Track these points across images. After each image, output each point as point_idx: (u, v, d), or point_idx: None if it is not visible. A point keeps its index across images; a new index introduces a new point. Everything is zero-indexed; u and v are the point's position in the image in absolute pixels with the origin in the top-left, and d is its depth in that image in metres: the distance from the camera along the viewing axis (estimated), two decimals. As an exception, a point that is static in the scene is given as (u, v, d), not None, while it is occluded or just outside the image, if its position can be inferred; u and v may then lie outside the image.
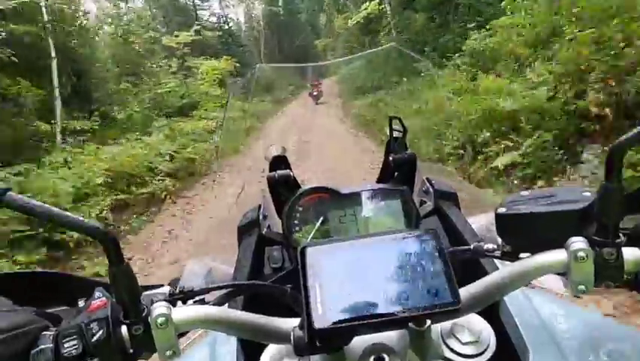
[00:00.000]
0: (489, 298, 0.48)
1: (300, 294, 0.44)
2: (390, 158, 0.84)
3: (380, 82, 11.18)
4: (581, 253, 0.44)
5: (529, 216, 0.53)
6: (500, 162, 4.59)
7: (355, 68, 13.63)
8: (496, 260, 0.62)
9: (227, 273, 0.73)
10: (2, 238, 4.21)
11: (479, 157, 5.12)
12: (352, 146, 7.83)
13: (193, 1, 29.90)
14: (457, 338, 0.53)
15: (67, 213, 0.43)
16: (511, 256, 0.54)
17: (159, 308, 0.45)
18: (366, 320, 0.41)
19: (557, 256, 0.46)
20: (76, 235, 4.62)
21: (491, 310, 0.57)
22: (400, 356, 0.47)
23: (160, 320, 0.44)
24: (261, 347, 0.55)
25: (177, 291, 0.52)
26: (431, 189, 0.84)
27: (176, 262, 4.19)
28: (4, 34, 7.84)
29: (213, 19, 33.31)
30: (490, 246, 0.56)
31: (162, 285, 0.57)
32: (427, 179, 0.86)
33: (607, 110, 4.06)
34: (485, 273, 0.53)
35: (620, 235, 0.46)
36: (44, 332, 0.44)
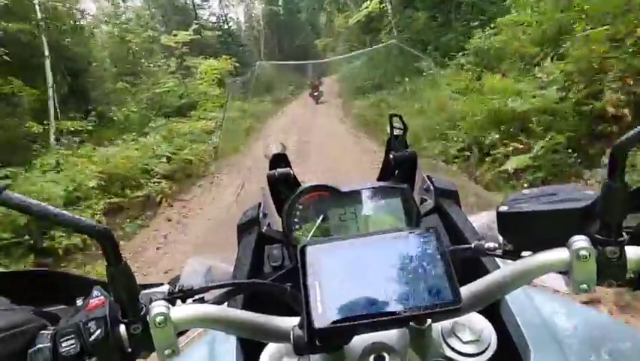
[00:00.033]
0: (490, 296, 0.48)
1: (299, 293, 0.44)
2: (391, 156, 0.83)
3: (381, 80, 11.12)
4: (583, 252, 0.44)
5: (530, 215, 0.52)
6: (510, 165, 4.39)
7: (356, 67, 13.59)
8: (497, 259, 0.62)
9: (227, 271, 0.73)
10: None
11: (486, 159, 4.95)
12: (352, 146, 7.82)
13: (192, 1, 29.87)
14: (458, 337, 0.52)
15: (64, 212, 0.42)
16: (513, 254, 0.54)
17: (158, 307, 0.44)
18: (366, 319, 0.41)
19: (559, 254, 0.46)
20: (64, 242, 4.56)
21: (492, 309, 0.57)
22: (400, 356, 0.47)
23: (158, 318, 0.44)
24: (261, 346, 0.55)
25: (176, 290, 0.52)
26: (432, 187, 0.83)
27: (170, 270, 4.11)
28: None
29: (213, 18, 33.34)
30: (491, 244, 0.56)
31: (161, 284, 0.56)
32: (428, 177, 0.86)
33: (625, 110, 3.92)
34: (486, 272, 0.53)
35: (623, 233, 0.46)
36: (42, 331, 0.43)
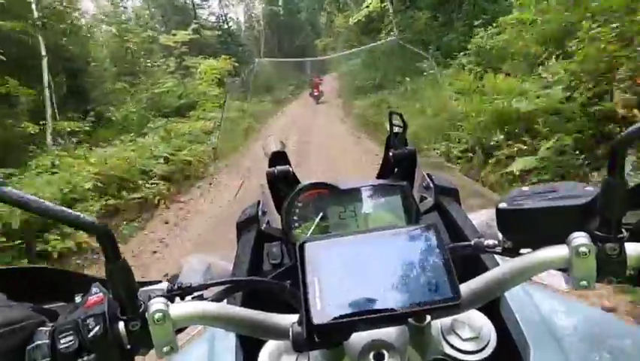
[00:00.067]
0: (489, 294, 0.48)
1: (299, 290, 0.44)
2: (391, 153, 0.83)
3: (382, 79, 11.08)
4: (583, 249, 0.44)
5: (530, 212, 0.52)
6: (516, 167, 4.28)
7: (357, 64, 13.54)
8: (496, 256, 0.62)
9: (227, 269, 0.73)
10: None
11: (490, 160, 4.87)
12: (353, 146, 7.81)
13: (192, 0, 29.86)
14: (458, 334, 0.52)
15: (63, 208, 0.42)
16: (512, 251, 0.54)
17: (156, 304, 0.44)
18: (365, 316, 0.41)
19: (559, 251, 0.46)
20: (59, 245, 4.52)
21: (492, 306, 0.57)
22: (399, 353, 0.47)
23: (157, 315, 0.44)
24: (260, 343, 0.55)
25: (175, 287, 0.52)
26: (431, 185, 0.83)
27: (166, 275, 4.10)
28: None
29: (212, 18, 33.35)
30: (490, 242, 0.56)
31: (160, 281, 0.56)
32: (428, 174, 0.86)
33: (635, 110, 3.85)
34: (486, 269, 0.52)
35: (623, 230, 0.46)
36: (40, 328, 0.43)
